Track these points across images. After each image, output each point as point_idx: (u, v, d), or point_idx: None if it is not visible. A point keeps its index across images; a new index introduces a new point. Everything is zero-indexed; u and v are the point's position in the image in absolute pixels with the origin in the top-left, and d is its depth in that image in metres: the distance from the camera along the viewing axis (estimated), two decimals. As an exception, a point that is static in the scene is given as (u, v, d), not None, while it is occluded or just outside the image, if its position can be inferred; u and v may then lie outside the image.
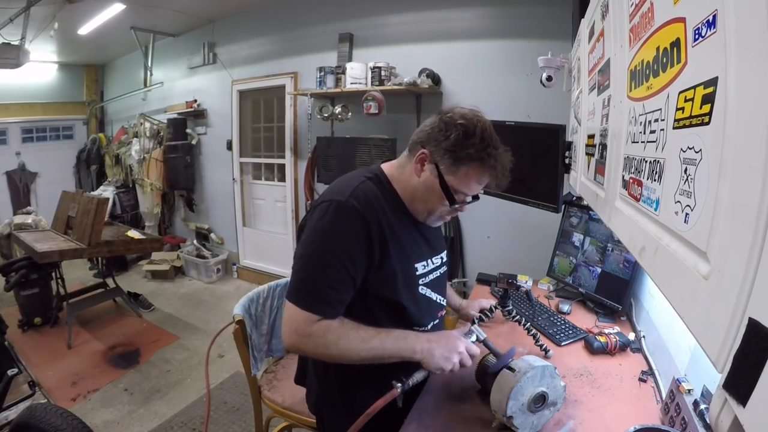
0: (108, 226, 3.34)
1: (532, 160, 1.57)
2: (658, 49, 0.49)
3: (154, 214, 4.67)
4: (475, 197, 0.96)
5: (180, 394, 2.32)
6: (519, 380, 0.85)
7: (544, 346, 1.20)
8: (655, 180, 0.50)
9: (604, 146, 0.83)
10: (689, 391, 0.83)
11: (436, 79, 2.74)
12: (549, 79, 1.76)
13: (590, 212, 1.61)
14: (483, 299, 1.34)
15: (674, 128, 0.44)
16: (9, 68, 3.80)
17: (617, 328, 1.31)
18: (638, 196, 0.56)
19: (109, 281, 3.35)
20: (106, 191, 4.62)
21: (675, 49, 0.44)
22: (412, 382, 0.87)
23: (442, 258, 1.08)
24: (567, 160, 1.43)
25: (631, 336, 1.27)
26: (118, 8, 3.46)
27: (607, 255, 1.50)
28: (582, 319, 1.46)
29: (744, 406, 0.29)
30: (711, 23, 0.36)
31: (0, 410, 1.65)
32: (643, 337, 1.26)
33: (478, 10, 2.66)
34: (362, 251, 0.87)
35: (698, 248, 0.37)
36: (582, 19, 1.23)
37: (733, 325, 0.31)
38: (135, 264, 4.42)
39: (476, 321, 1.20)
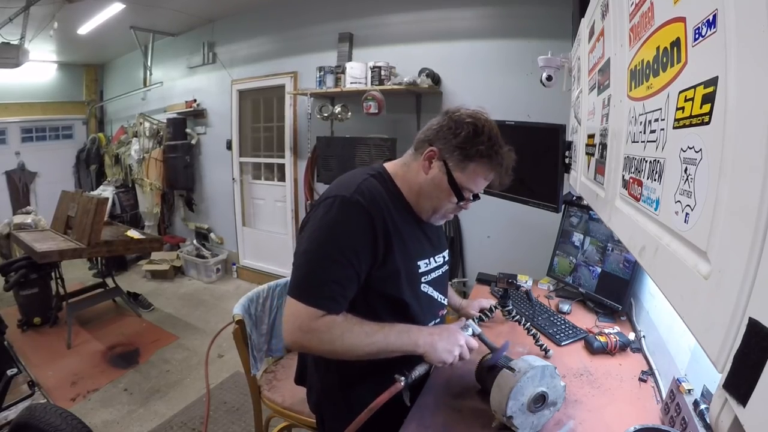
0: (107, 226, 3.33)
1: (532, 160, 1.57)
2: (658, 48, 0.49)
3: (154, 214, 4.67)
4: (476, 196, 0.97)
5: (180, 394, 2.32)
6: (519, 380, 0.85)
7: (544, 346, 1.20)
8: (655, 180, 0.50)
9: (604, 146, 0.83)
10: (689, 391, 0.83)
11: (436, 79, 2.74)
12: (549, 78, 1.76)
13: (590, 212, 1.61)
14: (483, 299, 1.34)
15: (674, 128, 0.44)
16: (8, 68, 3.80)
17: (617, 328, 1.31)
18: (638, 196, 0.56)
19: (109, 281, 3.35)
20: (106, 191, 4.62)
21: (675, 48, 0.44)
22: (414, 375, 0.87)
23: (444, 257, 1.09)
24: (567, 160, 1.43)
25: (631, 336, 1.27)
26: (117, 8, 3.45)
27: (607, 255, 1.50)
28: (582, 318, 1.46)
29: (744, 406, 0.29)
30: (711, 23, 0.36)
31: (-1, 410, 1.65)
32: (643, 337, 1.26)
33: (478, 10, 2.66)
34: (367, 246, 0.87)
35: (698, 248, 0.37)
36: (582, 19, 1.23)
37: (733, 325, 0.31)
38: (134, 264, 4.42)
39: (476, 321, 1.20)
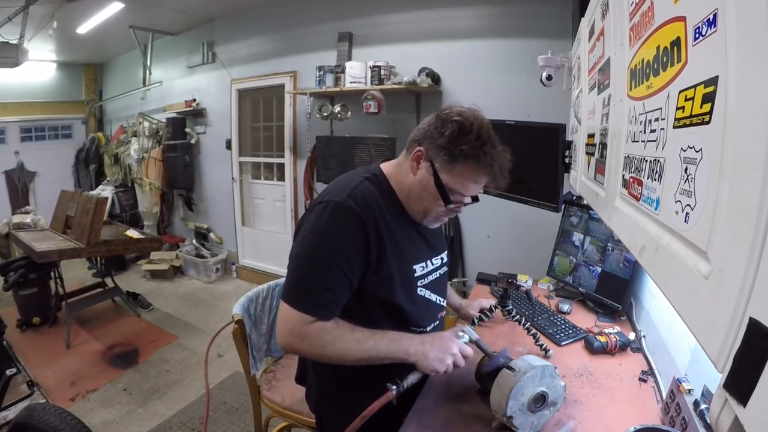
0: (107, 226, 3.33)
1: (532, 160, 1.57)
2: (658, 48, 0.49)
3: (153, 214, 4.67)
4: (475, 198, 0.95)
5: (179, 393, 2.32)
6: (519, 380, 0.85)
7: (544, 346, 1.20)
8: (655, 179, 0.50)
9: (604, 145, 0.83)
10: (689, 390, 0.83)
11: (435, 78, 2.74)
12: (549, 78, 1.75)
13: (590, 212, 1.61)
14: (483, 299, 1.34)
15: (674, 127, 0.43)
16: (7, 67, 3.79)
17: (617, 328, 1.31)
18: (638, 196, 0.56)
19: (108, 281, 3.34)
20: (105, 191, 4.61)
21: (675, 48, 0.43)
22: (406, 383, 0.87)
23: (442, 258, 1.08)
24: (567, 160, 1.43)
25: (632, 336, 1.27)
26: (117, 7, 3.45)
27: (607, 254, 1.50)
28: (582, 318, 1.45)
29: (744, 406, 0.29)
30: (711, 22, 0.36)
31: (-1, 410, 1.65)
32: (644, 336, 1.26)
33: (478, 9, 2.66)
34: (359, 253, 0.87)
35: (698, 248, 0.37)
36: (582, 18, 1.23)
37: (733, 324, 0.31)
38: (134, 263, 4.41)
39: (476, 321, 1.20)
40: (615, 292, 1.44)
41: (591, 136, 1.00)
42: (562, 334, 1.32)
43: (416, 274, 0.98)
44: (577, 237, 1.67)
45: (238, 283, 4.05)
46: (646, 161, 0.53)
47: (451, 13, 2.75)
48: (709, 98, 0.36)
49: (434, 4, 2.79)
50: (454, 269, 2.85)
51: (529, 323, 1.22)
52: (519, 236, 2.63)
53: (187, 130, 4.34)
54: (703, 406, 0.77)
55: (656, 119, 0.49)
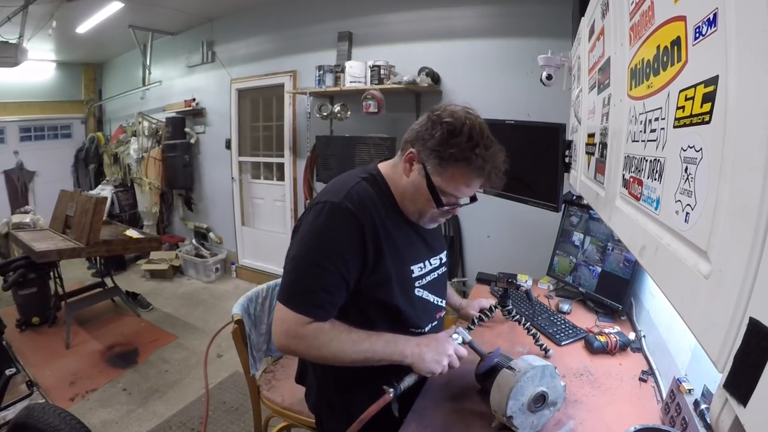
0: (106, 226, 3.33)
1: (532, 159, 1.57)
2: (658, 47, 0.49)
3: (153, 214, 4.67)
4: (473, 198, 0.94)
5: (178, 393, 2.31)
6: (519, 380, 0.84)
7: (544, 346, 1.20)
8: (655, 179, 0.50)
9: (604, 145, 0.83)
10: (690, 390, 0.83)
11: (435, 78, 2.74)
12: (549, 77, 1.75)
13: (590, 211, 1.61)
14: (483, 299, 1.34)
15: (675, 127, 0.43)
16: (7, 67, 3.79)
17: (617, 328, 1.31)
18: (638, 195, 0.56)
19: (108, 281, 3.34)
20: (105, 190, 4.61)
21: (675, 47, 0.43)
22: (403, 386, 0.88)
23: (441, 259, 1.07)
24: (567, 159, 1.43)
25: (632, 335, 1.27)
26: (116, 6, 3.44)
27: (607, 254, 1.50)
28: (582, 318, 1.45)
29: (745, 406, 0.29)
30: (711, 22, 0.35)
31: (-2, 410, 1.65)
32: (644, 336, 1.26)
33: (478, 9, 2.66)
34: (356, 254, 0.87)
35: (699, 247, 0.37)
36: (582, 18, 1.23)
37: (733, 324, 0.31)
38: (133, 263, 4.41)
39: (476, 321, 1.20)
40: (615, 291, 1.44)
41: (591, 135, 1.00)
42: (562, 334, 1.32)
43: (414, 275, 0.98)
44: (577, 237, 1.67)
45: (238, 283, 4.05)
46: (647, 161, 0.53)
47: (450, 13, 2.75)
48: (709, 98, 0.36)
49: (434, 4, 2.79)
50: (454, 269, 2.85)
51: (529, 323, 1.22)
52: (519, 236, 2.63)
53: (187, 129, 4.34)
54: (703, 406, 0.77)
55: (656, 119, 0.49)
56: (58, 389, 2.34)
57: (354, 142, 2.93)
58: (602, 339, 1.22)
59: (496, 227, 2.74)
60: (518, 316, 1.21)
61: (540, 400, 0.87)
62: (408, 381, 0.89)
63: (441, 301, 1.08)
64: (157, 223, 4.75)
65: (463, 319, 1.32)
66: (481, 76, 2.66)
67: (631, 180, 0.60)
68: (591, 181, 0.98)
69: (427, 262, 1.01)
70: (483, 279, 1.80)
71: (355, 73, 2.86)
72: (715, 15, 0.35)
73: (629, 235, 0.61)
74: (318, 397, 1.06)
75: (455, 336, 0.97)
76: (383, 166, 0.99)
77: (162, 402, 2.24)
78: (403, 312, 0.96)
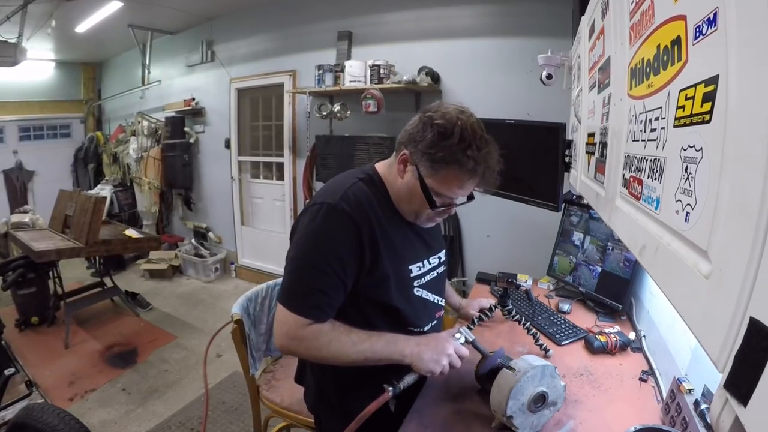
0: (105, 225, 3.33)
1: (532, 159, 1.57)
2: (658, 47, 0.49)
3: (152, 213, 4.66)
4: (470, 197, 0.94)
5: (178, 393, 2.31)
6: (519, 380, 0.84)
7: (544, 346, 1.20)
8: (655, 179, 0.49)
9: (604, 145, 0.83)
10: (690, 390, 0.82)
11: (435, 77, 2.74)
12: (549, 77, 1.75)
13: (590, 211, 1.60)
14: (482, 298, 1.33)
15: (675, 126, 0.43)
16: (6, 66, 3.79)
17: (617, 328, 1.31)
18: (639, 195, 0.56)
19: (107, 280, 3.34)
20: (104, 190, 4.61)
21: (675, 47, 0.43)
22: (403, 385, 0.88)
23: (440, 258, 1.07)
24: (567, 159, 1.43)
25: (632, 335, 1.27)
26: (115, 6, 3.44)
27: (607, 254, 1.50)
28: (582, 318, 1.45)
29: (745, 406, 0.29)
30: (712, 21, 0.35)
31: (-3, 410, 1.65)
32: (644, 336, 1.26)
33: (478, 8, 2.65)
34: (353, 255, 0.87)
35: (699, 247, 0.37)
36: (582, 17, 1.23)
37: (734, 324, 0.31)
38: (133, 263, 4.41)
39: (476, 320, 1.20)
40: (615, 291, 1.44)
41: (591, 135, 1.00)
42: (562, 334, 1.32)
43: (412, 275, 0.98)
44: (577, 236, 1.67)
45: (237, 283, 4.05)
46: (647, 160, 0.53)
47: (450, 12, 2.74)
48: (709, 97, 0.36)
49: (434, 3, 2.79)
50: (453, 268, 2.85)
51: (528, 323, 1.22)
52: (519, 236, 2.63)
53: (186, 129, 4.34)
54: (703, 406, 0.76)
55: (656, 118, 0.49)
56: (57, 389, 2.34)
57: (354, 142, 2.93)
58: (602, 339, 1.22)
59: (496, 227, 2.74)
60: (518, 316, 1.21)
61: (540, 400, 0.87)
62: (408, 380, 0.89)
63: (440, 300, 1.08)
64: (156, 223, 4.74)
65: (463, 319, 1.32)
66: (481, 76, 2.66)
67: (632, 179, 0.60)
68: (591, 181, 0.98)
69: (425, 261, 1.01)
70: (483, 279, 1.80)
71: (355, 72, 2.85)
72: (715, 14, 0.35)
73: (629, 235, 0.61)
74: (317, 397, 1.06)
75: (458, 335, 0.96)
76: (380, 166, 0.99)
77: (161, 402, 2.24)
78: (402, 312, 0.96)
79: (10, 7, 3.22)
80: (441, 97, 2.80)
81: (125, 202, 4.77)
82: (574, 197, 1.70)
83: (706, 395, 0.79)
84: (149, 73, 4.67)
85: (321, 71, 3.01)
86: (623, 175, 0.66)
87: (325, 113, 3.09)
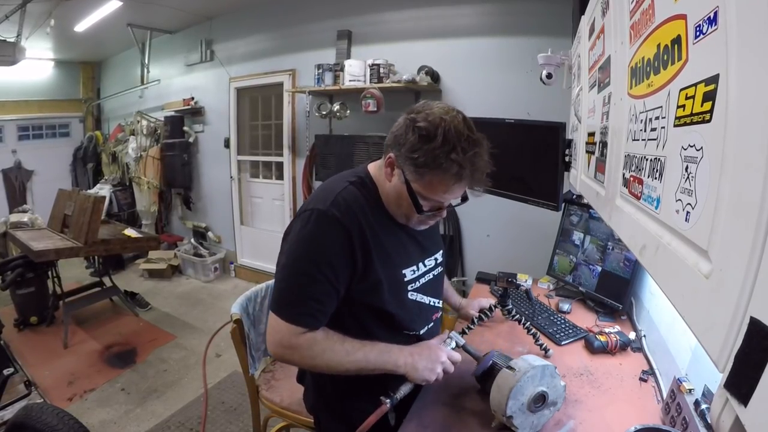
0: (105, 225, 3.32)
1: (532, 158, 1.57)
2: (658, 46, 0.49)
3: (151, 213, 4.66)
4: (464, 198, 0.91)
5: (177, 393, 2.31)
6: (519, 380, 0.84)
7: (543, 346, 1.20)
8: (655, 178, 0.49)
9: (604, 144, 0.83)
10: (690, 390, 0.82)
11: (435, 77, 2.74)
12: (549, 76, 1.75)
13: (590, 211, 1.60)
14: (482, 298, 1.33)
15: (675, 126, 0.43)
16: (5, 65, 3.78)
17: (618, 328, 1.31)
18: (639, 195, 0.56)
19: (106, 280, 3.33)
20: (103, 189, 4.60)
21: (676, 46, 0.43)
22: (399, 395, 0.88)
23: (436, 259, 1.06)
24: (567, 158, 1.43)
25: (632, 335, 1.27)
26: (114, 5, 3.43)
27: (607, 254, 1.50)
28: (582, 318, 1.45)
29: (745, 406, 0.29)
30: (712, 20, 0.35)
31: (-4, 410, 1.64)
32: (644, 336, 1.26)
33: (478, 7, 2.65)
34: (344, 261, 0.86)
35: (699, 247, 0.37)
36: (582, 16, 1.23)
37: (734, 324, 0.31)
38: (132, 263, 4.40)
39: (475, 320, 1.20)
40: (615, 291, 1.44)
41: (591, 134, 1.00)
42: (562, 334, 1.32)
43: (406, 279, 0.96)
44: (577, 236, 1.67)
45: (237, 283, 4.05)
46: (647, 160, 0.53)
47: (450, 11, 2.74)
48: (709, 96, 0.36)
49: (433, 2, 2.78)
50: (453, 268, 2.85)
51: (528, 323, 1.22)
52: (519, 235, 2.63)
53: (186, 128, 4.33)
54: (703, 406, 0.76)
55: (657, 117, 0.49)
56: (56, 389, 2.33)
57: (353, 141, 2.92)
58: (602, 339, 1.22)
59: (495, 226, 2.74)
60: (518, 316, 1.21)
61: (540, 400, 0.87)
62: (404, 390, 0.89)
63: (437, 302, 1.07)
64: (155, 223, 4.74)
65: (463, 319, 1.32)
66: (481, 75, 2.66)
67: (632, 179, 0.60)
68: (591, 180, 0.98)
69: (420, 264, 1.00)
70: (483, 278, 1.80)
71: (355, 71, 2.85)
72: (715, 13, 0.35)
73: (629, 235, 0.61)
74: (316, 398, 1.06)
75: (448, 341, 0.97)
76: (372, 168, 0.97)
77: (160, 402, 2.24)
78: (396, 316, 0.95)
79: (9, 6, 3.21)
80: (441, 96, 2.80)
81: (124, 201, 4.76)
82: (574, 197, 1.70)
83: (707, 395, 0.79)
84: (148, 72, 4.66)
85: (320, 70, 3.01)
86: (623, 175, 0.65)
87: (324, 113, 3.09)
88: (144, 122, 4.57)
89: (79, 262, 4.04)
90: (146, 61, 4.61)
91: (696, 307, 0.38)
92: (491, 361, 0.96)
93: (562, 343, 1.28)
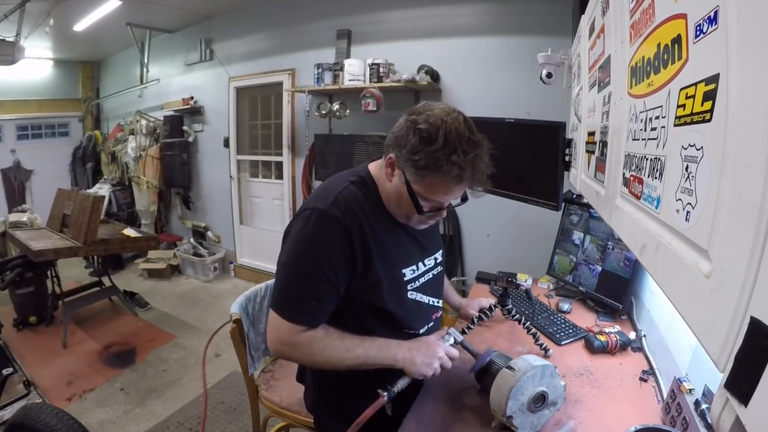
0: (104, 224, 3.32)
1: (532, 158, 1.57)
2: (659, 45, 0.49)
3: (151, 212, 4.65)
4: (464, 198, 0.92)
5: (176, 393, 2.31)
6: (519, 380, 0.84)
7: (543, 345, 1.20)
8: (656, 178, 0.49)
9: (604, 143, 0.83)
10: (690, 390, 0.82)
11: (435, 76, 2.73)
12: (549, 75, 1.75)
13: (590, 210, 1.60)
14: (482, 298, 1.33)
15: (675, 125, 0.43)
16: (4, 65, 3.77)
17: (618, 327, 1.30)
18: (639, 194, 0.56)
19: (105, 280, 3.33)
20: (102, 189, 4.59)
21: (676, 45, 0.43)
22: (396, 389, 0.89)
23: (436, 259, 1.06)
24: (567, 158, 1.43)
25: (632, 335, 1.27)
26: (114, 4, 3.43)
27: (607, 253, 1.50)
28: (582, 318, 1.45)
29: (746, 406, 0.29)
30: (712, 19, 0.35)
31: (-5, 410, 1.64)
32: (644, 336, 1.26)
33: (478, 6, 2.65)
34: (344, 261, 0.86)
35: (699, 246, 0.37)
36: (582, 16, 1.23)
37: (734, 324, 0.31)
38: (131, 262, 4.40)
39: (475, 320, 1.20)
40: (615, 291, 1.43)
41: (591, 134, 1.00)
42: (562, 334, 1.32)
43: (406, 278, 0.97)
44: (577, 236, 1.67)
45: (236, 282, 4.05)
46: (647, 159, 0.53)
47: (450, 10, 2.74)
48: (710, 96, 0.36)
49: (433, 1, 2.78)
50: (453, 268, 2.85)
51: (528, 322, 1.22)
52: (519, 235, 2.63)
53: (185, 128, 4.33)
54: (704, 406, 0.76)
55: (657, 117, 0.49)
56: (55, 389, 2.33)
57: (353, 141, 2.92)
58: (602, 338, 1.22)
59: (495, 226, 2.74)
60: (518, 316, 1.21)
61: (540, 400, 0.87)
62: (401, 384, 0.90)
63: (437, 302, 1.07)
64: (154, 222, 4.73)
65: (463, 319, 1.32)
66: (481, 74, 2.66)
67: (632, 178, 0.60)
68: (591, 180, 0.97)
69: (420, 264, 1.00)
70: (482, 278, 1.80)
71: (354, 71, 2.85)
72: (716, 13, 0.35)
73: (630, 234, 0.61)
74: (316, 397, 1.06)
75: (446, 337, 0.98)
76: (373, 167, 0.97)
77: (160, 402, 2.24)
78: (396, 315, 0.95)
79: (8, 6, 3.20)
80: (441, 95, 2.80)
81: (123, 201, 4.76)
82: (574, 196, 1.69)
83: (707, 395, 0.79)
84: (148, 71, 4.66)
85: (320, 70, 3.01)
86: (623, 174, 0.65)
87: (324, 112, 3.09)
88: (143, 122, 4.56)
89: (78, 261, 4.04)
90: (145, 61, 4.61)
91: (696, 307, 0.38)
92: (488, 359, 0.97)
93: (562, 342, 1.28)
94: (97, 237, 2.86)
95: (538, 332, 1.26)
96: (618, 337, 1.22)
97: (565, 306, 1.52)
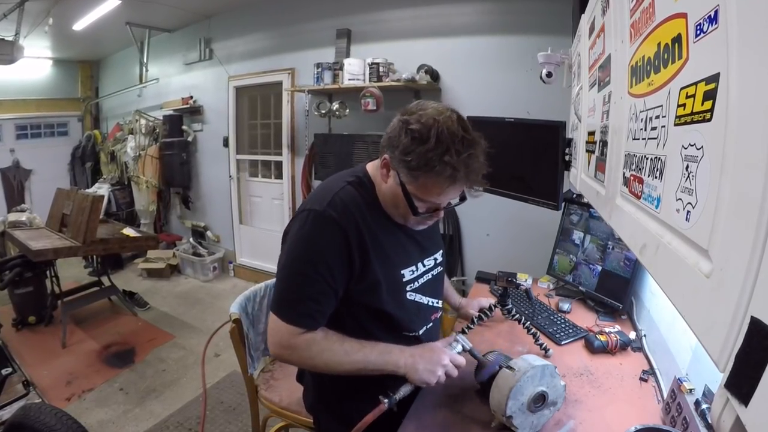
0: (103, 224, 3.31)
1: (532, 157, 1.57)
2: (659, 45, 0.49)
3: (150, 212, 4.65)
4: (462, 198, 0.91)
5: (176, 393, 2.31)
6: (519, 380, 0.84)
7: (543, 345, 1.20)
8: (656, 177, 0.49)
9: (604, 143, 0.83)
10: (691, 390, 0.82)
11: (434, 75, 2.73)
12: (549, 75, 1.75)
13: (590, 210, 1.60)
14: (482, 298, 1.33)
15: (675, 125, 0.43)
16: (3, 64, 3.76)
17: (618, 327, 1.30)
18: (639, 194, 0.56)
19: (104, 280, 3.33)
20: (101, 189, 4.59)
21: (676, 44, 0.43)
22: (398, 396, 0.87)
23: (435, 259, 1.05)
24: (567, 157, 1.43)
25: (632, 335, 1.27)
26: (113, 3, 3.42)
27: (607, 253, 1.50)
28: (582, 317, 1.45)
29: (746, 406, 0.29)
30: (712, 19, 0.35)
31: (-6, 410, 1.64)
32: (644, 336, 1.26)
33: (477, 6, 2.65)
34: (342, 262, 0.86)
35: (700, 246, 0.37)
36: (582, 15, 1.23)
37: (735, 324, 0.31)
38: (130, 262, 4.39)
39: (475, 320, 1.20)
40: (615, 290, 1.43)
41: (591, 133, 1.00)
42: (562, 334, 1.32)
43: (405, 279, 0.96)
44: (577, 235, 1.67)
45: (236, 282, 4.04)
46: (647, 159, 0.53)
47: (450, 10, 2.74)
48: (710, 95, 0.36)
49: (433, 1, 2.78)
50: (453, 268, 2.85)
51: (528, 322, 1.22)
52: (519, 235, 2.63)
53: (184, 127, 4.32)
54: (704, 406, 0.76)
55: (657, 116, 0.49)
56: (54, 389, 2.33)
57: (352, 140, 2.92)
58: (602, 338, 1.22)
59: (495, 226, 2.74)
60: (518, 316, 1.21)
61: (540, 400, 0.87)
62: (403, 391, 0.88)
63: (436, 302, 1.07)
64: (154, 222, 4.73)
65: (463, 319, 1.32)
66: (481, 74, 2.66)
67: (632, 178, 0.60)
68: (591, 180, 0.97)
69: (419, 264, 1.00)
70: (482, 278, 1.80)
71: (354, 70, 2.85)
72: (716, 12, 0.35)
73: (630, 234, 0.61)
74: (315, 398, 1.06)
75: (454, 344, 0.94)
76: (371, 167, 0.97)
77: (159, 402, 2.23)
78: (395, 317, 0.95)
79: (7, 5, 3.20)
80: (440, 95, 2.80)
81: (123, 200, 4.75)
82: (574, 196, 1.69)
83: (707, 395, 0.79)
84: (147, 71, 4.65)
85: (320, 69, 3.00)
86: (623, 174, 0.65)
87: (323, 111, 3.08)
88: (143, 121, 4.56)
89: (77, 261, 4.04)
90: (145, 60, 4.60)
91: (696, 307, 0.38)
92: (496, 367, 0.94)
93: (562, 342, 1.28)
94: (97, 237, 2.86)
95: (538, 332, 1.26)
96: (618, 337, 1.22)
97: (565, 306, 1.52)
